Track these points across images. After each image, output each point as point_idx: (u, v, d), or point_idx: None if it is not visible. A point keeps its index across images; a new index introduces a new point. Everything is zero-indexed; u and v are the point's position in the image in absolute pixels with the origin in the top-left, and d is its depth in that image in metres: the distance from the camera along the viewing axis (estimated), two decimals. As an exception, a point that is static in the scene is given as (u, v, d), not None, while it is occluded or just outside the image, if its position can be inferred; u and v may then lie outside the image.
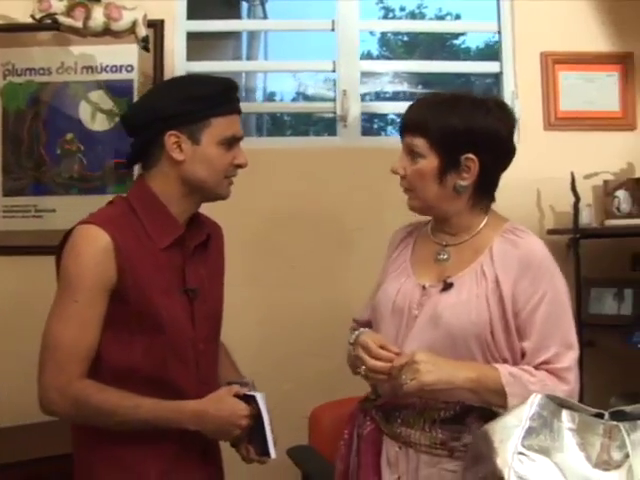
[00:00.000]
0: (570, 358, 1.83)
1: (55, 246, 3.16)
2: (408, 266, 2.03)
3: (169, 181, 1.97)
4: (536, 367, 1.81)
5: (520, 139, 3.55)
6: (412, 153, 1.91)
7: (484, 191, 1.95)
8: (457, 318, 1.84)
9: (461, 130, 1.86)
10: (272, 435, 1.90)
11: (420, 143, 1.89)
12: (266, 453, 1.92)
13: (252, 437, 1.94)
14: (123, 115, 2.08)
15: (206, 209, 2.10)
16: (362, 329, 2.01)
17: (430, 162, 1.89)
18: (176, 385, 1.92)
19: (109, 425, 1.85)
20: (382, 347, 1.87)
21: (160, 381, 1.90)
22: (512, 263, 1.86)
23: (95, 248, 1.86)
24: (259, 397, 1.89)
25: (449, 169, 1.88)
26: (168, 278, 1.94)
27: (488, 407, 1.82)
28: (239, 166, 2.01)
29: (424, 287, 1.94)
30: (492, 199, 1.99)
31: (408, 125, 1.94)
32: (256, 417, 1.89)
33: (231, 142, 1.97)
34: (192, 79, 2.10)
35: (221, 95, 1.95)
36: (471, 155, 1.87)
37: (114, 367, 1.88)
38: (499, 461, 1.54)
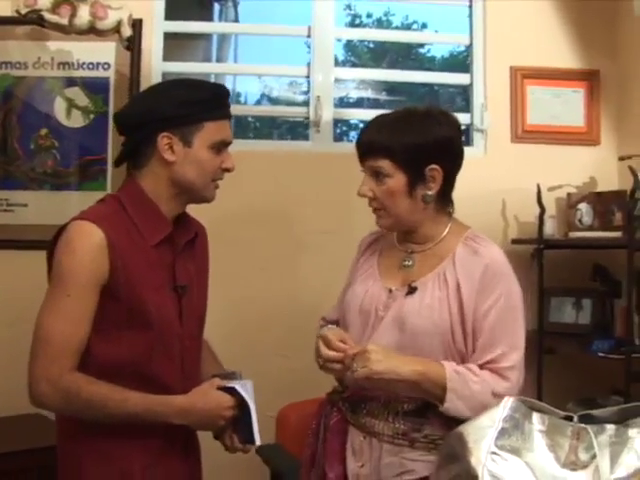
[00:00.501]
0: (513, 358, 1.93)
1: (26, 240, 3.21)
2: (375, 271, 2.12)
3: (159, 181, 2.00)
4: (481, 366, 1.91)
5: (488, 150, 3.64)
6: (377, 174, 1.99)
7: (446, 196, 2.04)
8: (421, 320, 1.94)
9: (422, 144, 1.95)
10: (257, 423, 1.94)
11: (385, 164, 1.96)
12: (250, 441, 1.96)
13: (237, 426, 1.98)
14: (117, 114, 2.10)
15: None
16: (330, 326, 2.13)
17: (397, 180, 1.97)
18: (162, 380, 1.95)
19: (98, 418, 1.87)
20: (341, 341, 1.97)
21: (146, 376, 1.92)
22: (473, 270, 1.95)
23: (89, 244, 1.88)
24: (239, 387, 1.93)
25: (417, 183, 1.97)
26: (159, 275, 1.98)
27: (427, 399, 1.92)
28: (227, 170, 2.05)
29: (390, 290, 2.03)
30: (452, 204, 2.07)
31: (370, 149, 2.00)
32: (241, 406, 1.93)
33: (221, 146, 2.01)
34: (186, 83, 2.11)
35: (214, 100, 2.00)
36: (434, 165, 1.96)
37: (101, 362, 1.90)
38: (473, 460, 1.59)
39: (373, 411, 2.00)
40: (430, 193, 1.98)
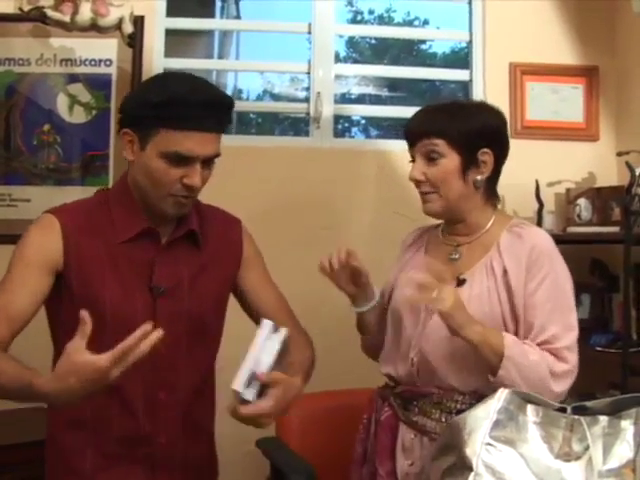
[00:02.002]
0: (569, 338, 1.91)
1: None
2: (423, 267, 2.09)
3: (132, 179, 1.93)
4: (537, 345, 1.89)
5: (487, 146, 3.64)
6: (430, 156, 1.99)
7: (493, 184, 2.07)
8: (471, 311, 1.90)
9: (475, 128, 1.98)
10: (249, 370, 1.64)
11: (440, 143, 1.98)
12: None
13: None
14: None
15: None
16: None
17: (451, 160, 1.98)
18: (119, 384, 1.69)
19: None
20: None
21: None
22: (518, 254, 1.95)
23: (40, 230, 1.88)
24: (265, 326, 1.69)
25: (469, 165, 1.99)
26: (124, 272, 1.88)
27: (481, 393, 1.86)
28: (188, 187, 1.84)
29: None
30: (497, 194, 2.10)
31: (423, 130, 2.01)
32: None
33: (177, 159, 1.81)
34: (161, 80, 1.95)
35: (176, 106, 1.77)
36: (486, 149, 1.99)
37: None
38: (468, 451, 1.61)
39: (425, 409, 1.98)
40: (480, 178, 2.00)
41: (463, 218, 2.06)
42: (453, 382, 1.96)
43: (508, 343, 1.85)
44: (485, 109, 2.07)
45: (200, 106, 1.79)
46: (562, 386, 1.88)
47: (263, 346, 1.67)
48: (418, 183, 2.03)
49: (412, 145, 2.05)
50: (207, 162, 1.86)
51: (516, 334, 1.92)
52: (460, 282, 1.99)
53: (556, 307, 1.91)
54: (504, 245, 1.99)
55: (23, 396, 1.67)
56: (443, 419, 1.95)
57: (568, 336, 1.91)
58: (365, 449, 2.12)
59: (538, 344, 1.89)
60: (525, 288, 1.92)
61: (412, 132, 2.05)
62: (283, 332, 1.71)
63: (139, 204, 1.92)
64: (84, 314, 1.51)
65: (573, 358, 1.91)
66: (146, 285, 1.90)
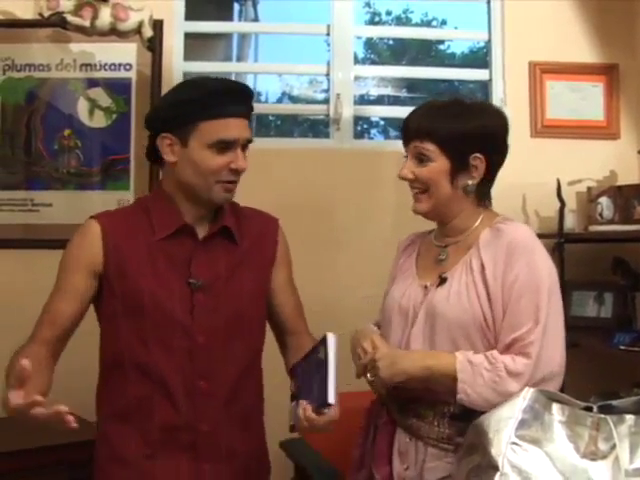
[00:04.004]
0: (536, 333, 1.84)
1: (51, 240, 3.28)
2: (413, 270, 2.11)
3: (170, 182, 2.04)
4: (509, 346, 1.84)
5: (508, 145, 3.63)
6: (420, 157, 1.97)
7: (486, 189, 2.03)
8: (450, 308, 1.91)
9: (468, 132, 1.93)
10: (335, 381, 1.74)
11: (430, 147, 1.95)
12: (323, 401, 1.74)
13: (303, 389, 1.86)
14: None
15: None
16: (369, 325, 2.17)
17: (440, 165, 1.95)
18: (159, 373, 1.95)
19: None
20: (372, 342, 1.99)
21: (144, 368, 1.95)
22: (495, 249, 1.92)
23: (82, 234, 2.01)
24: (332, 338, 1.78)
25: (459, 170, 1.96)
26: (162, 268, 1.98)
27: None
28: (235, 171, 1.98)
29: (426, 287, 2.01)
30: (490, 197, 2.06)
31: (415, 131, 1.98)
32: (312, 362, 1.81)
33: (222, 145, 1.94)
34: (189, 83, 2.14)
35: (209, 98, 1.93)
36: (478, 154, 1.95)
37: (104, 354, 2.01)
38: (493, 451, 1.61)
39: (419, 413, 1.97)
40: (471, 183, 1.97)
41: (451, 219, 2.04)
42: (418, 386, 1.94)
43: (461, 366, 1.84)
44: (484, 111, 2.01)
45: (229, 94, 1.96)
46: (519, 385, 1.80)
47: (334, 354, 1.77)
48: (409, 181, 2.02)
49: (405, 144, 2.03)
50: (244, 147, 2.00)
51: (495, 326, 1.89)
52: (442, 280, 1.98)
53: (529, 303, 1.86)
54: (483, 242, 1.96)
55: None
56: (436, 422, 1.94)
57: (535, 330, 1.84)
58: (362, 453, 2.11)
59: (509, 343, 1.85)
60: (502, 283, 1.88)
61: (405, 131, 2.03)
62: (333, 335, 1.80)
63: (176, 205, 2.02)
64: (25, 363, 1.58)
65: (534, 352, 1.82)
66: (184, 280, 1.99)
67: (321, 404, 1.75)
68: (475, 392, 1.82)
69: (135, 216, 2.05)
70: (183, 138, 1.95)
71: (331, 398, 1.72)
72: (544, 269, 1.92)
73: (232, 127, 1.96)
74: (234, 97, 1.98)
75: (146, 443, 1.97)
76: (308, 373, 1.85)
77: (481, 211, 2.03)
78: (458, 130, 1.94)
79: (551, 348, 1.87)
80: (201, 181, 1.97)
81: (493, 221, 2.01)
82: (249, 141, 2.01)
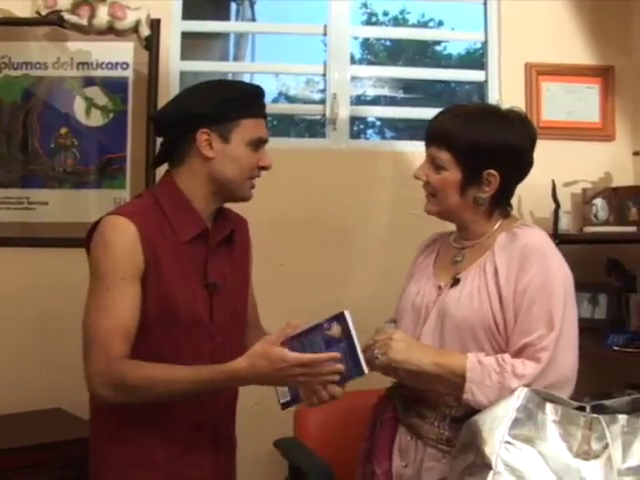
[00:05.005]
0: (550, 339, 1.84)
1: (47, 238, 3.27)
2: (430, 269, 2.14)
3: (197, 179, 2.04)
4: (520, 350, 1.85)
5: (503, 146, 3.64)
6: (435, 163, 1.98)
7: (501, 202, 2.03)
8: (460, 309, 1.93)
9: (485, 147, 1.93)
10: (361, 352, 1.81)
11: (445, 157, 1.96)
12: (356, 373, 1.80)
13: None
14: (155, 113, 2.15)
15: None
16: (387, 323, 2.18)
17: (453, 175, 1.96)
18: None
19: (151, 400, 1.88)
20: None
21: None
22: (510, 253, 1.94)
23: (123, 238, 1.93)
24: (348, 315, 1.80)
25: (471, 183, 1.96)
26: (189, 271, 2.01)
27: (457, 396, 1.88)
28: (263, 168, 2.09)
29: (440, 287, 2.04)
30: (509, 207, 2.07)
31: (435, 137, 1.99)
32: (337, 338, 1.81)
33: (258, 144, 2.05)
34: (224, 83, 2.26)
35: (250, 98, 2.05)
36: (493, 171, 1.94)
37: (135, 358, 1.94)
38: (487, 449, 1.62)
39: (422, 412, 1.99)
40: (483, 196, 1.97)
41: (465, 225, 2.06)
42: (422, 383, 1.96)
43: (471, 366, 1.85)
44: (511, 124, 1.97)
45: (260, 97, 2.10)
46: (521, 385, 1.80)
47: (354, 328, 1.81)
48: (423, 182, 2.04)
49: (425, 145, 2.04)
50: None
51: (509, 329, 1.90)
52: (455, 282, 2.00)
53: (541, 308, 1.87)
54: (499, 246, 1.97)
55: (200, 389, 1.87)
56: (436, 423, 1.96)
57: (549, 337, 1.85)
58: (369, 447, 2.13)
59: (520, 348, 1.86)
60: (515, 287, 1.89)
61: (427, 135, 2.04)
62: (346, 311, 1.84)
63: (192, 205, 2.04)
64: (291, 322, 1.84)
65: (545, 358, 1.83)
66: (202, 282, 2.04)
67: (355, 375, 1.80)
68: (481, 392, 1.83)
69: (155, 213, 2.03)
70: (225, 134, 2.01)
71: (365, 368, 1.79)
72: (559, 275, 1.93)
73: (263, 127, 2.08)
74: (262, 100, 2.11)
75: (174, 443, 2.00)
76: (311, 350, 1.82)
77: (498, 218, 2.04)
78: (475, 143, 1.93)
79: (565, 354, 1.88)
80: (238, 177, 2.04)
81: (511, 226, 2.02)
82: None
